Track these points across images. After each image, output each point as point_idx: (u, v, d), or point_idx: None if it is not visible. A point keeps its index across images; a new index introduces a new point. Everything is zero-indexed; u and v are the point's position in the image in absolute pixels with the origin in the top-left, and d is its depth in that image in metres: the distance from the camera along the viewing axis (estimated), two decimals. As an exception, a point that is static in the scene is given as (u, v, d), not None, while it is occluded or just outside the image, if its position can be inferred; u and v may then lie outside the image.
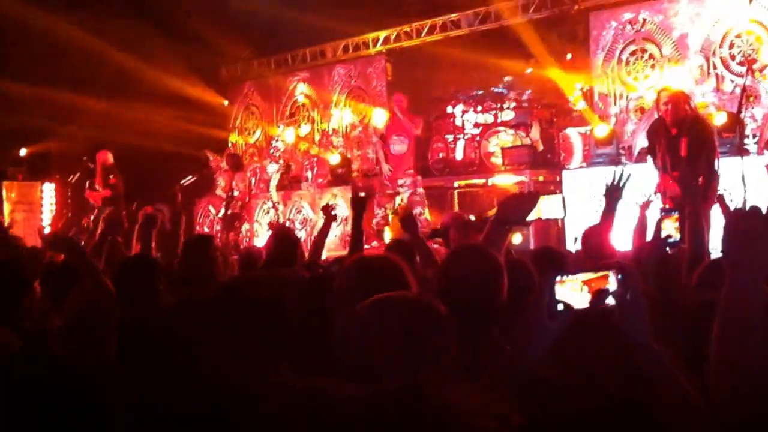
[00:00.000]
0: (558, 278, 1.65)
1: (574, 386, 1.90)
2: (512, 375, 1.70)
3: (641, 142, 9.06)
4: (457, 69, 10.91)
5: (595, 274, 1.63)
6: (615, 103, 9.44)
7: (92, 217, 10.65)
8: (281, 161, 12.21)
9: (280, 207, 11.82)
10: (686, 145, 6.45)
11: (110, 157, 11.04)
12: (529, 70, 10.20)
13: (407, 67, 11.39)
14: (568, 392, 1.87)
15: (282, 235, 5.16)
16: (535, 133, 9.65)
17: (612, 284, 1.63)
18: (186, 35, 12.09)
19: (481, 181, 9.71)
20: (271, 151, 12.46)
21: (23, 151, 13.04)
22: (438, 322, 1.71)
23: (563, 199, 8.62)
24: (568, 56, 10.23)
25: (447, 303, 2.06)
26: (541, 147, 9.63)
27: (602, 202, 4.32)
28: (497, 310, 2.25)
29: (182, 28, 12.03)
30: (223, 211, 11.26)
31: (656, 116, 7.13)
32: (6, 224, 12.49)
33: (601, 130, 8.90)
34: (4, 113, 11.74)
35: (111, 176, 10.77)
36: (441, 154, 10.29)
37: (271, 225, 11.39)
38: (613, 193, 4.21)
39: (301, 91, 12.81)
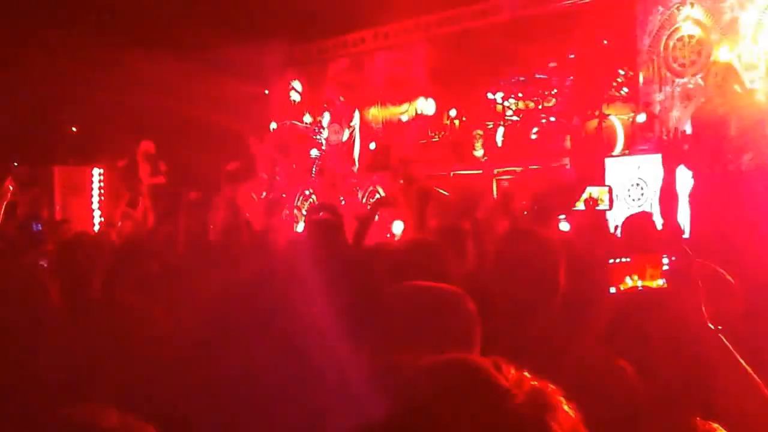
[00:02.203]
0: (614, 262, 1.56)
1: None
2: (565, 356, 1.63)
3: (688, 128, 8.76)
4: (498, 55, 10.69)
5: (648, 256, 1.53)
6: (660, 90, 9.13)
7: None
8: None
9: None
10: (736, 125, 6.21)
11: (152, 147, 11.30)
12: (572, 56, 9.92)
13: (449, 53, 11.20)
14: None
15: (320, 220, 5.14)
16: (577, 119, 9.40)
17: (664, 265, 1.53)
18: (228, 22, 12.09)
19: (520, 169, 9.50)
20: (315, 137, 12.44)
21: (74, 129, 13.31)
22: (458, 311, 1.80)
23: (611, 190, 8.34)
24: (605, 42, 9.90)
25: (502, 283, 2.12)
26: (582, 134, 9.37)
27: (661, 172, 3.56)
28: (552, 291, 2.20)
29: (224, 14, 12.03)
30: (264, 194, 11.32)
31: (702, 101, 6.89)
32: (58, 208, 12.78)
33: (645, 117, 8.63)
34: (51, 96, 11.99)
35: (160, 163, 11.05)
36: (481, 141, 10.11)
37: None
38: (670, 153, 3.45)
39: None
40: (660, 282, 1.53)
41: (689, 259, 1.61)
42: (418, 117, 11.66)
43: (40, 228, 8.17)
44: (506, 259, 2.34)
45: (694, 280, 1.60)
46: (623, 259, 1.52)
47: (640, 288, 1.52)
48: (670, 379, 1.73)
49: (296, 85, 13.49)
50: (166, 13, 11.70)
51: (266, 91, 13.70)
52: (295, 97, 13.47)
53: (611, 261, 1.53)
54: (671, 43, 9.07)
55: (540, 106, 9.77)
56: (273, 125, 13.56)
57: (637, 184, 8.29)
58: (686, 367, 1.69)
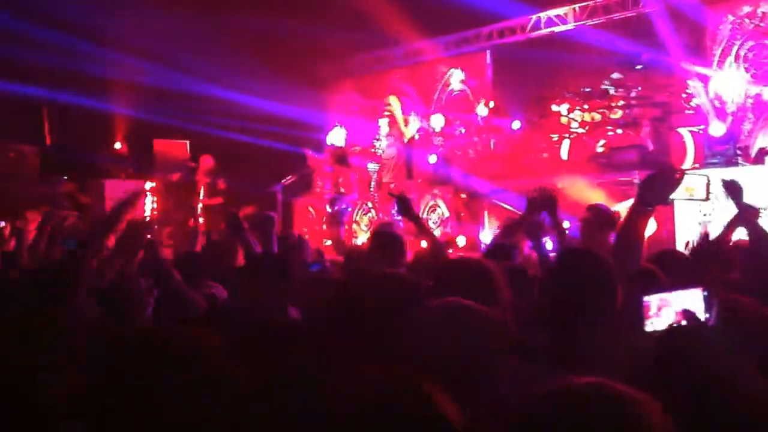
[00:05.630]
0: (649, 298, 1.95)
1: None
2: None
3: (760, 141, 9.20)
4: (563, 65, 11.19)
5: (685, 293, 1.98)
6: (732, 101, 9.58)
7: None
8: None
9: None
10: None
11: (212, 162, 12.02)
12: (639, 66, 10.41)
13: (511, 64, 11.75)
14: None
15: (385, 234, 5.63)
16: (645, 132, 9.88)
17: (698, 303, 1.96)
18: (283, 33, 12.83)
19: (587, 183, 9.98)
20: (372, 150, 13.08)
21: (118, 145, 14.13)
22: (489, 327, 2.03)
23: (708, 180, 8.56)
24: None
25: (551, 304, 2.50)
26: (651, 146, 9.85)
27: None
28: (589, 320, 2.37)
29: (280, 26, 12.76)
30: (329, 207, 11.95)
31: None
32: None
33: (717, 129, 9.09)
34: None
35: (219, 182, 11.69)
36: (545, 155, 10.63)
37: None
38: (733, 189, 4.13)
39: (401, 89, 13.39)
40: (701, 317, 1.87)
41: (723, 297, 1.95)
42: (478, 129, 12.23)
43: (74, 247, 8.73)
44: (557, 279, 2.59)
45: (730, 320, 1.85)
46: (662, 295, 1.91)
47: (677, 325, 1.84)
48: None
49: (353, 95, 14.12)
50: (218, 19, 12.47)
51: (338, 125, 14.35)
52: (352, 108, 14.13)
53: (649, 298, 1.90)
54: (742, 53, 9.53)
55: (607, 119, 10.26)
56: (330, 138, 14.26)
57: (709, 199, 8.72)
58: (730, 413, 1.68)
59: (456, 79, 12.59)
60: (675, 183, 2.96)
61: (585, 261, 2.58)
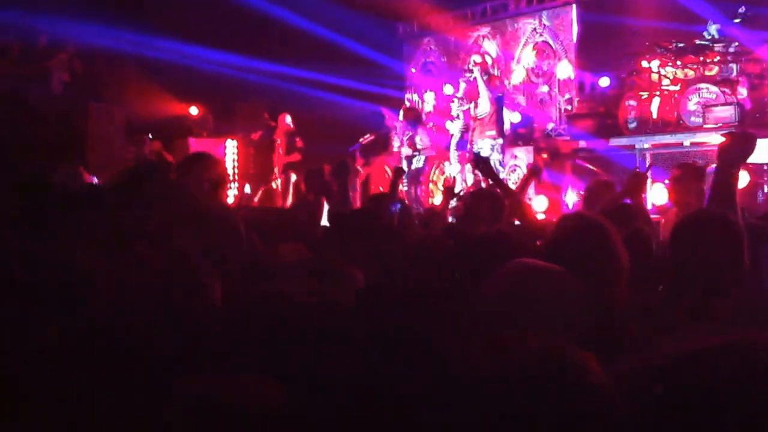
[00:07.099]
0: None
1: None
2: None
3: None
4: (655, 18, 10.69)
5: None
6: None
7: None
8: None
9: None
10: None
11: (291, 121, 12.09)
12: (737, 20, 9.81)
13: (599, 18, 11.30)
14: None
15: (485, 192, 5.51)
16: (743, 89, 9.34)
17: None
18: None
19: (679, 142, 9.55)
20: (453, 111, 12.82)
21: (194, 110, 14.30)
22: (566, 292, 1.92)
23: None
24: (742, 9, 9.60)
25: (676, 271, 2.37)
26: (748, 105, 9.31)
27: None
28: (726, 282, 2.32)
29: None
30: (406, 165, 11.82)
31: None
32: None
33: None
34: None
35: (297, 140, 11.76)
36: (633, 113, 10.19)
37: (447, 182, 11.83)
38: None
39: (482, 46, 13.05)
40: None
41: None
42: (563, 86, 11.83)
43: None
44: (683, 243, 2.50)
45: None
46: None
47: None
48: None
49: (432, 55, 13.86)
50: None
51: (413, 70, 14.18)
52: (431, 67, 13.86)
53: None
54: None
55: (701, 75, 9.73)
56: (408, 97, 14.08)
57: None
58: None
59: (540, 34, 12.16)
60: (753, 143, 2.98)
61: (713, 220, 2.53)
